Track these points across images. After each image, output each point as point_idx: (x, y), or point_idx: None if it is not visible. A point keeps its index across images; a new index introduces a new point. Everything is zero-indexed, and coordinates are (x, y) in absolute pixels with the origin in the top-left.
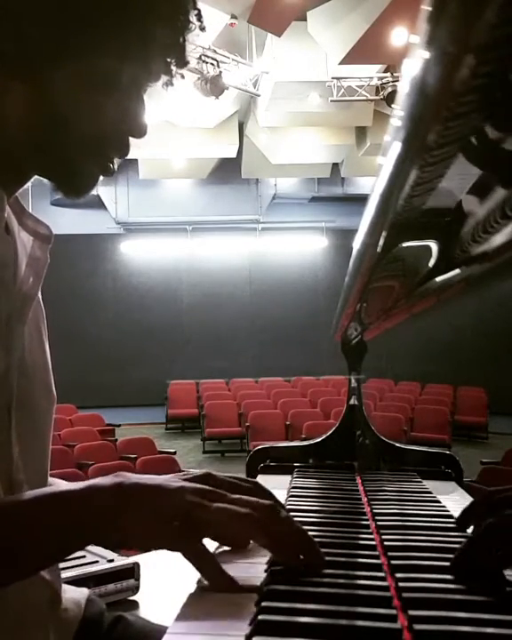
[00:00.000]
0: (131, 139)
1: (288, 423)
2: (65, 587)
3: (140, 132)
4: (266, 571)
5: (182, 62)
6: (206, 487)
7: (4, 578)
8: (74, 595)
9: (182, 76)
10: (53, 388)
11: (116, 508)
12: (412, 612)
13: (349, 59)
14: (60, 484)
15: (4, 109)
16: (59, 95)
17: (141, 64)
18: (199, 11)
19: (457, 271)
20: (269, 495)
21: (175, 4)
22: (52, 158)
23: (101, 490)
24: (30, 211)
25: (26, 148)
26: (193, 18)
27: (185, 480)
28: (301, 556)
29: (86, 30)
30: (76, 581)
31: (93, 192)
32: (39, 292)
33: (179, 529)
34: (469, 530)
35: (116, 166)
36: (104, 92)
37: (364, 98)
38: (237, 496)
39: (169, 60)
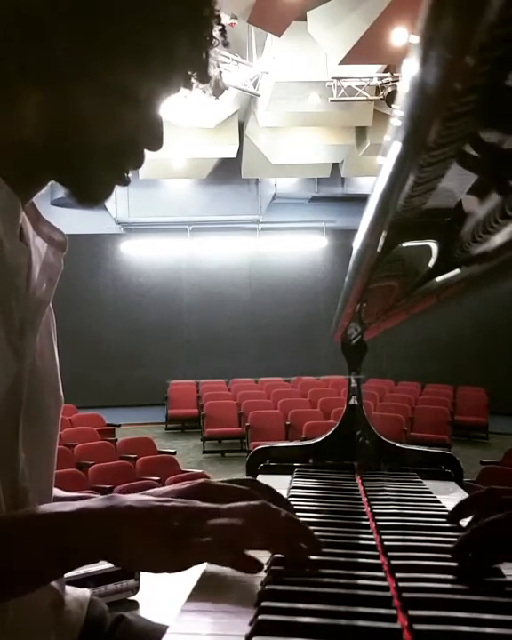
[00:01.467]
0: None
1: (288, 423)
2: (67, 588)
3: (157, 144)
4: (265, 571)
5: (204, 78)
6: (199, 505)
7: None
8: (76, 596)
9: (204, 91)
10: (61, 395)
11: (109, 532)
12: (411, 612)
13: (349, 59)
14: (57, 494)
15: (23, 116)
16: (78, 104)
17: (162, 78)
18: (223, 26)
19: (457, 271)
20: (266, 491)
21: (200, 20)
22: (68, 167)
23: (93, 514)
24: None
25: (42, 156)
26: (217, 33)
27: (180, 492)
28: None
29: (111, 42)
30: (77, 581)
31: None
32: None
33: (174, 553)
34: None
35: (128, 175)
36: (123, 103)
37: (364, 98)
38: (228, 506)
39: (190, 73)
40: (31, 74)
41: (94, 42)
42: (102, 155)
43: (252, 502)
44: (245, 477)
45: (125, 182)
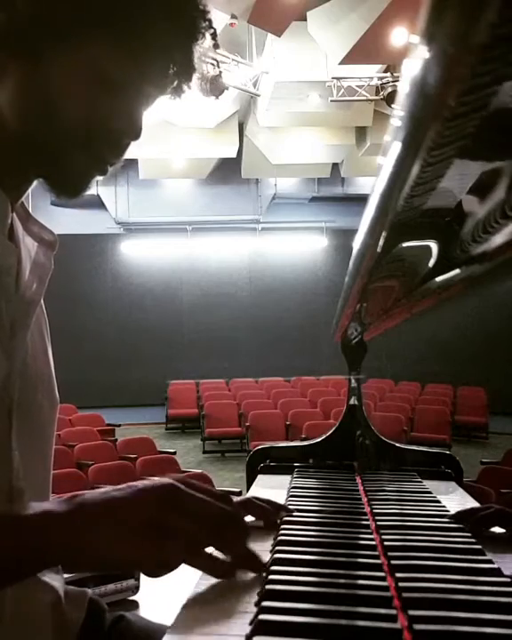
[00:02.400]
0: (128, 141)
1: (288, 423)
2: (67, 588)
3: (133, 133)
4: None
5: (187, 72)
6: (170, 483)
7: None
8: (76, 596)
9: (189, 87)
10: (57, 395)
11: (73, 530)
12: (411, 612)
13: (349, 59)
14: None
15: (1, 93)
16: (52, 80)
17: (140, 64)
18: (212, 26)
19: (457, 271)
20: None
21: (182, 10)
22: (44, 151)
23: (56, 517)
24: (30, 210)
25: (19, 141)
26: (202, 27)
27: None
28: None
29: (93, 16)
30: (77, 581)
31: (93, 192)
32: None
33: (149, 540)
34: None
35: (110, 167)
36: (97, 84)
37: (364, 98)
38: (201, 497)
39: (172, 66)
40: (11, 40)
41: (79, 12)
42: (77, 138)
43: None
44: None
45: (104, 172)
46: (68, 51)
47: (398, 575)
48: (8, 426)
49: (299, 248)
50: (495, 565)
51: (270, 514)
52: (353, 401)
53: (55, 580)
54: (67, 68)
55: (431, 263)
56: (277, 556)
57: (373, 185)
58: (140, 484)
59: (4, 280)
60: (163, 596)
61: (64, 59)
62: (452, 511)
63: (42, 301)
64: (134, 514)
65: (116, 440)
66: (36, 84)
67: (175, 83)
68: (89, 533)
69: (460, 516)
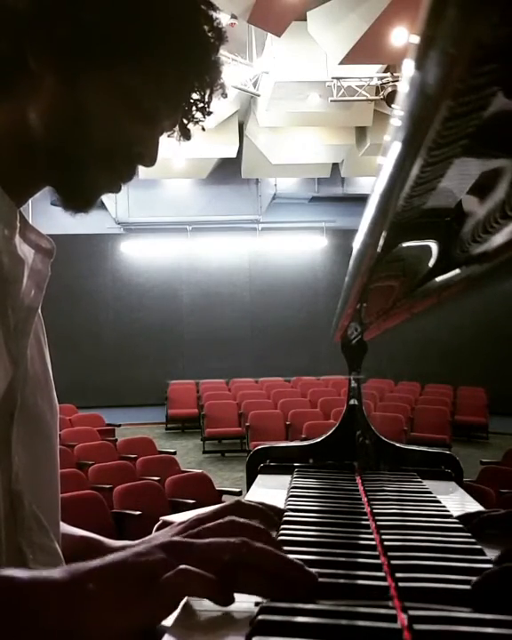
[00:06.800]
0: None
1: (288, 423)
2: None
3: (150, 159)
4: None
5: (204, 116)
6: (176, 540)
7: None
8: None
9: (203, 129)
10: (56, 400)
11: (70, 603)
12: (412, 612)
13: (349, 59)
14: (63, 529)
15: (32, 108)
16: (86, 101)
17: (170, 96)
18: (223, 82)
19: (457, 271)
20: (255, 513)
21: (212, 64)
22: (66, 165)
23: (53, 584)
24: (30, 210)
25: (42, 151)
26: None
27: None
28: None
29: (131, 46)
30: None
31: None
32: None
33: (153, 602)
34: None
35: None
36: (128, 110)
37: (364, 98)
38: (205, 547)
39: (193, 104)
40: (52, 56)
41: (120, 32)
42: (99, 157)
43: (231, 539)
44: (233, 502)
45: (117, 190)
46: (104, 76)
47: (398, 575)
48: (9, 430)
49: (299, 248)
50: None
51: (263, 514)
52: (353, 401)
53: None
54: (102, 92)
55: (431, 263)
56: None
57: (373, 185)
58: (137, 549)
59: (11, 288)
60: None
61: (100, 83)
62: (452, 511)
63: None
64: (134, 573)
65: (116, 440)
66: (70, 104)
67: (192, 118)
68: (87, 603)
69: (466, 518)
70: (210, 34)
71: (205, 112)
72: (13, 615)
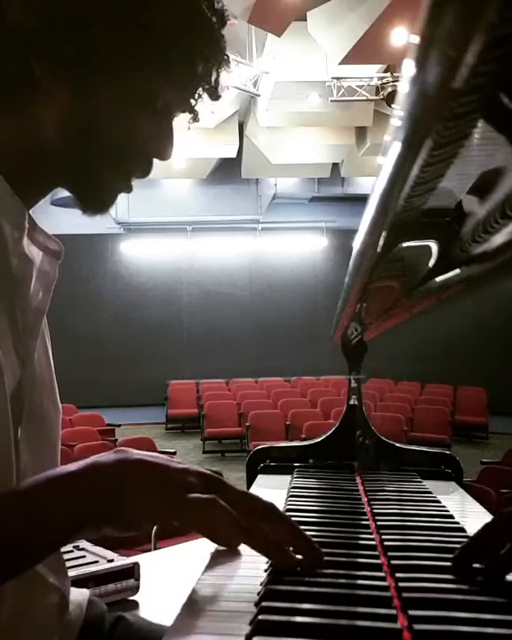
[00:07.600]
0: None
1: (288, 423)
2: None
3: (166, 154)
4: (266, 570)
5: (215, 97)
6: (209, 473)
7: (13, 568)
8: (76, 597)
9: (212, 111)
10: (59, 402)
11: (119, 481)
12: (411, 612)
13: (349, 59)
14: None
15: (45, 117)
16: (101, 106)
17: (179, 91)
18: (228, 57)
19: (457, 271)
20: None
21: (217, 45)
22: (82, 170)
23: (104, 466)
24: (31, 210)
25: (57, 158)
26: (226, 60)
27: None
28: (299, 556)
29: (146, 50)
30: (76, 582)
31: None
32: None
33: (173, 510)
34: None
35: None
36: (141, 109)
37: (364, 98)
38: (239, 492)
39: (202, 93)
40: (61, 71)
41: (128, 42)
42: (114, 159)
43: (263, 500)
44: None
45: (130, 189)
46: (118, 80)
47: (398, 575)
48: (16, 430)
49: (299, 248)
50: None
51: None
52: (353, 401)
53: (62, 584)
54: (113, 98)
55: (431, 263)
56: None
57: (373, 185)
58: (177, 465)
59: (20, 289)
60: (163, 596)
61: (110, 90)
62: (452, 511)
63: None
64: (172, 482)
65: (116, 440)
66: (82, 113)
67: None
68: (131, 484)
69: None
70: (211, 16)
71: (214, 94)
72: (70, 495)
